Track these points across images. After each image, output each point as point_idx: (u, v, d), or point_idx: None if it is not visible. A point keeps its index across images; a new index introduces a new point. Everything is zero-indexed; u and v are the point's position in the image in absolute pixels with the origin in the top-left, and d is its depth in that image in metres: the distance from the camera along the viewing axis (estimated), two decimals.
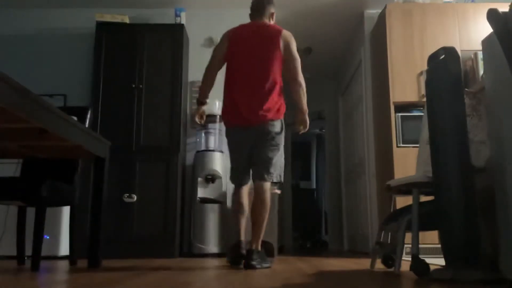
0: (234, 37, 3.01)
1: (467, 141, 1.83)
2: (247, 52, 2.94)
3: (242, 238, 2.83)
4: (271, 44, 2.90)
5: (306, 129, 3.00)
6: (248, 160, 2.90)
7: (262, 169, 2.82)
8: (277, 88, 2.88)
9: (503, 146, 1.62)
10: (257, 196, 2.80)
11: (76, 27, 4.81)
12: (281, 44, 2.90)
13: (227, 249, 3.54)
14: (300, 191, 8.04)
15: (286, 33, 2.95)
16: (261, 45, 2.93)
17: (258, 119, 2.81)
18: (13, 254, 3.01)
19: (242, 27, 3.07)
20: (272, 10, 3.09)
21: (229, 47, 3.00)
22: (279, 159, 2.88)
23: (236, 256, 2.77)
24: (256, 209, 2.79)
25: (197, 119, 3.15)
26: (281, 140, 2.89)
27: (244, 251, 2.73)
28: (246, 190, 2.96)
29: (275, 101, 2.85)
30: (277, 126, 2.85)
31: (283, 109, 2.91)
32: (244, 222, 2.89)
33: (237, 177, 2.95)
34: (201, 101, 3.14)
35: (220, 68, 3.10)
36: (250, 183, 2.99)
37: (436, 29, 4.07)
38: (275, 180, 2.87)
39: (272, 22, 3.08)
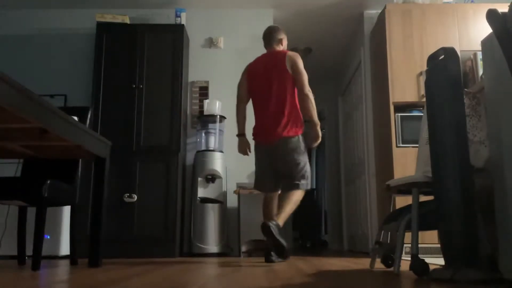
0: (250, 70, 3.45)
1: (466, 141, 1.84)
2: (260, 80, 3.35)
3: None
4: (279, 68, 3.27)
5: (318, 142, 3.30)
6: (269, 172, 3.29)
7: (288, 182, 3.20)
8: (290, 107, 3.23)
9: (502, 146, 1.63)
10: (287, 195, 3.17)
11: (77, 27, 4.82)
12: (287, 65, 3.26)
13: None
14: None
15: (290, 54, 3.30)
16: (271, 72, 3.30)
17: (276, 137, 3.21)
18: (13, 254, 3.02)
19: (256, 60, 3.47)
20: (280, 36, 3.44)
21: (248, 81, 3.42)
22: (302, 170, 3.21)
23: (267, 260, 3.08)
24: (282, 203, 3.15)
25: (242, 152, 3.46)
26: (300, 153, 3.22)
27: (273, 258, 3.06)
28: (272, 197, 3.31)
29: (288, 119, 3.21)
30: (293, 142, 3.21)
31: (299, 125, 3.25)
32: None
33: (259, 185, 3.37)
34: (240, 134, 3.46)
35: (247, 101, 3.47)
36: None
37: (435, 29, 4.08)
38: (303, 188, 3.20)
39: (282, 47, 3.44)
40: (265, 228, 2.94)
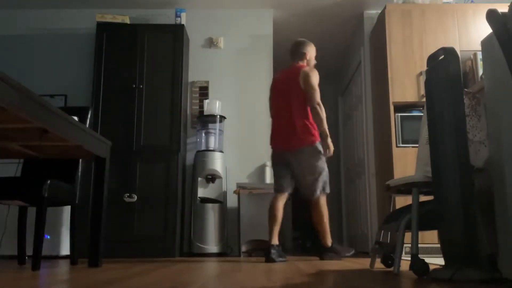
0: (272, 83, 3.74)
1: (466, 141, 1.84)
2: (275, 93, 3.63)
3: (273, 242, 3.34)
4: (293, 82, 3.49)
5: (330, 154, 3.46)
6: (283, 176, 3.49)
7: (307, 191, 3.44)
8: (301, 119, 3.43)
9: (502, 146, 1.63)
10: (312, 209, 3.46)
11: (77, 28, 4.82)
12: (300, 80, 3.46)
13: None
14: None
15: (304, 70, 3.51)
16: (284, 86, 3.55)
17: (290, 147, 3.44)
18: (13, 254, 3.02)
19: (279, 73, 3.72)
20: (303, 50, 3.65)
21: (270, 92, 3.71)
22: (318, 177, 3.41)
23: (267, 259, 3.25)
24: (314, 218, 3.46)
25: None
26: (316, 161, 3.41)
27: (273, 256, 3.24)
28: (281, 197, 3.48)
29: (301, 129, 3.41)
30: (308, 151, 3.40)
31: (311, 135, 3.42)
32: (277, 227, 3.41)
33: (278, 188, 3.53)
34: None
35: None
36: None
37: (435, 29, 4.08)
38: (319, 194, 3.42)
39: (305, 61, 3.64)
40: (323, 259, 3.42)
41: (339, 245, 3.66)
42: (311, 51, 3.68)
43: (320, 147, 3.44)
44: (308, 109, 3.46)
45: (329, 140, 3.43)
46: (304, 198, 3.50)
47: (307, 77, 3.46)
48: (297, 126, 3.42)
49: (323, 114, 3.41)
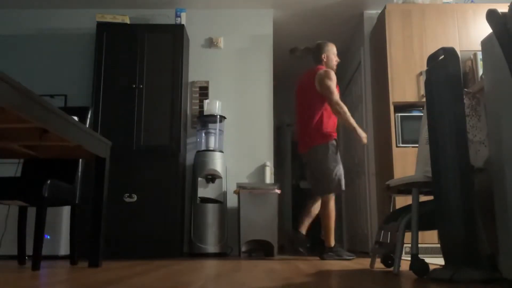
0: (296, 84, 3.90)
1: (466, 141, 1.84)
2: (298, 95, 3.82)
3: (300, 229, 3.67)
4: (309, 85, 3.66)
5: (363, 142, 3.67)
6: (309, 177, 3.72)
7: (317, 189, 3.63)
8: (317, 119, 3.58)
9: (502, 146, 1.63)
10: (320, 207, 3.63)
11: (77, 27, 4.82)
12: (316, 83, 3.62)
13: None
14: (300, 191, 8.04)
15: (319, 72, 3.66)
16: (303, 88, 3.75)
17: (305, 147, 3.66)
18: (13, 253, 3.01)
19: (302, 75, 3.87)
20: (320, 53, 3.80)
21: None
22: (328, 177, 3.54)
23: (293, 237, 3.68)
24: (321, 217, 3.64)
25: None
26: (326, 161, 3.54)
27: (297, 234, 3.61)
28: (316, 200, 3.66)
29: (315, 130, 3.57)
30: (318, 150, 3.56)
31: (322, 134, 3.57)
32: (307, 220, 3.69)
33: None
34: None
35: None
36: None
37: (435, 29, 4.08)
38: (334, 192, 3.59)
39: (323, 63, 3.77)
40: (322, 259, 3.51)
41: (341, 248, 3.72)
42: (328, 52, 3.80)
43: (332, 147, 3.54)
44: (323, 110, 3.58)
45: (359, 131, 3.54)
46: (314, 196, 3.64)
47: (322, 80, 3.59)
48: (311, 126, 3.58)
49: (344, 111, 3.51)
